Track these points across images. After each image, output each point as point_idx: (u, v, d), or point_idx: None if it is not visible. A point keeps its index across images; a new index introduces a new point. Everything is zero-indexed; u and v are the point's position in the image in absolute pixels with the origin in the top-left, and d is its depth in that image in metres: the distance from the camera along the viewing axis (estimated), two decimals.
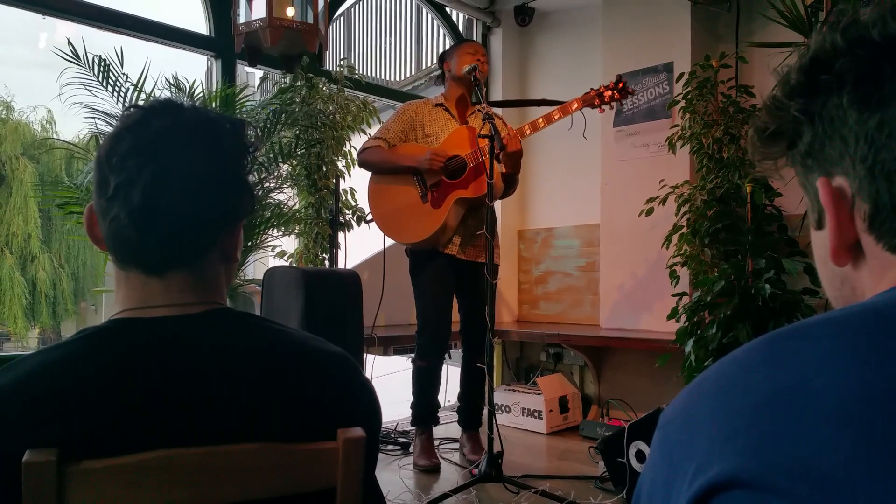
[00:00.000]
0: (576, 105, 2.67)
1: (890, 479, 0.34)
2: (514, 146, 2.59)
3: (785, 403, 0.39)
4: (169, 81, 2.95)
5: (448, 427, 3.47)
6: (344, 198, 3.38)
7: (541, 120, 2.68)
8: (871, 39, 0.46)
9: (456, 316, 2.90)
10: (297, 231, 3.39)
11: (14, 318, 12.15)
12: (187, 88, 2.97)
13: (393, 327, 3.79)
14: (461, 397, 2.99)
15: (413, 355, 2.92)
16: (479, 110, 2.87)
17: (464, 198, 2.70)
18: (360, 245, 3.51)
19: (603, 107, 2.71)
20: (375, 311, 3.25)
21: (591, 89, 2.72)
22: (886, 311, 0.43)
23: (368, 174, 2.87)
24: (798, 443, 0.37)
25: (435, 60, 6.60)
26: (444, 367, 3.04)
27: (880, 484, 0.34)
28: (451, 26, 4.70)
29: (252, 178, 1.11)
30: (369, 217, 2.96)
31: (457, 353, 3.42)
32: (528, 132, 2.68)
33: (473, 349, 2.84)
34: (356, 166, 3.48)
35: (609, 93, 2.69)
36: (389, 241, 3.14)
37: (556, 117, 2.67)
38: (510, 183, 2.80)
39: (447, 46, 3.01)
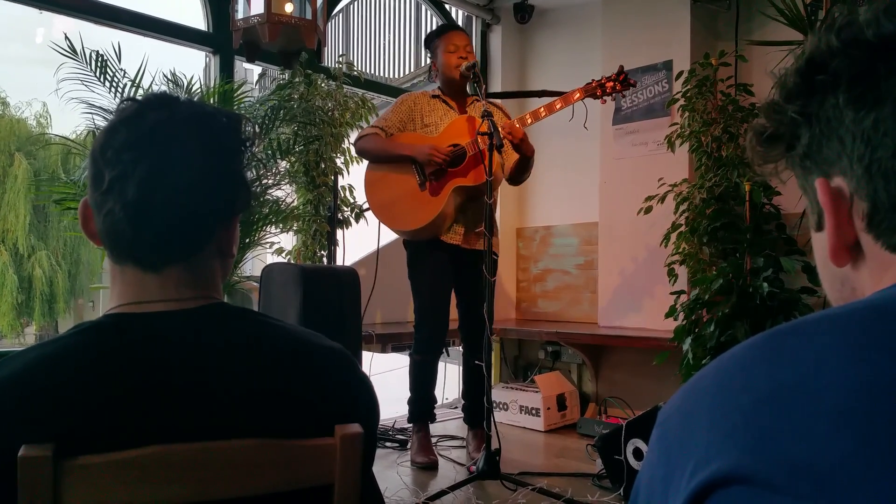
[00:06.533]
0: (578, 94, 2.69)
1: (890, 476, 0.34)
2: (518, 134, 2.59)
3: (784, 400, 0.39)
4: (167, 77, 2.93)
5: (446, 424, 3.48)
6: (342, 195, 3.38)
7: (542, 109, 2.67)
8: (866, 39, 0.47)
9: (454, 312, 2.89)
10: (295, 228, 3.38)
11: (2, 315, 12.09)
12: (185, 84, 2.95)
13: (391, 325, 3.79)
14: (464, 394, 3.01)
15: (411, 350, 2.92)
16: (476, 100, 2.86)
17: (463, 186, 2.68)
18: (359, 242, 3.50)
19: (605, 98, 2.73)
20: (373, 308, 3.25)
21: (593, 80, 2.74)
22: (886, 307, 0.43)
23: (365, 167, 2.85)
24: (798, 440, 0.37)
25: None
26: (443, 364, 3.03)
27: (880, 481, 0.34)
28: (450, 23, 4.68)
29: (250, 174, 1.11)
30: (366, 206, 2.94)
31: (454, 350, 3.43)
32: (528, 121, 2.67)
33: (472, 347, 2.83)
34: (355, 163, 3.48)
35: (611, 84, 2.71)
36: (385, 240, 3.13)
37: (557, 107, 2.68)
38: (523, 169, 2.77)
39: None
